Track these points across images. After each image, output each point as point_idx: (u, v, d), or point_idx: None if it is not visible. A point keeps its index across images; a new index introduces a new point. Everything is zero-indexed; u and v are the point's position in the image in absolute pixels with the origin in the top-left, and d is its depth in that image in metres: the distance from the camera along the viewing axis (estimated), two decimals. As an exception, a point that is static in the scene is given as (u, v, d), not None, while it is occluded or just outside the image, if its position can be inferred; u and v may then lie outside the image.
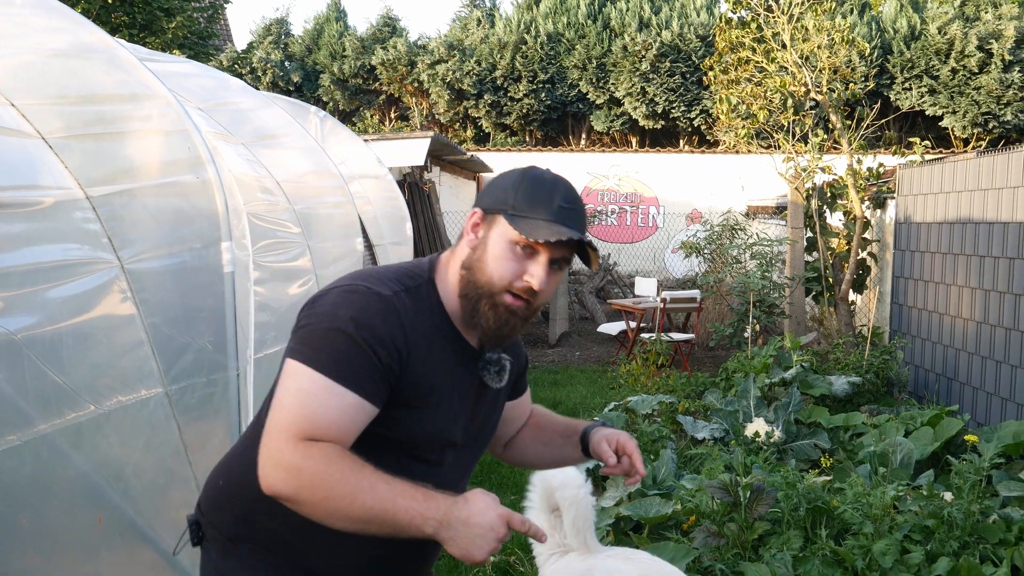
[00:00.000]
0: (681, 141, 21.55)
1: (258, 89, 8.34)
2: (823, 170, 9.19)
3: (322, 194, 6.05)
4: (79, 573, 2.90)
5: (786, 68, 9.23)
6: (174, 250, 3.65)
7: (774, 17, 9.21)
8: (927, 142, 10.62)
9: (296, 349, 1.69)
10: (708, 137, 20.69)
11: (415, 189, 11.05)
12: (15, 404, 2.47)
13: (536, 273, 1.77)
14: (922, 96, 19.32)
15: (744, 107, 9.75)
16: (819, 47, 8.94)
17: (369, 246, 7.41)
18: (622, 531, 4.74)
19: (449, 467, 1.90)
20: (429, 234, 11.12)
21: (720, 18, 10.16)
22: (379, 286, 1.77)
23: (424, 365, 1.78)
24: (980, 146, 19.02)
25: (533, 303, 1.81)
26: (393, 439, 1.79)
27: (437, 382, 1.81)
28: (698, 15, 21.11)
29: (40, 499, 2.68)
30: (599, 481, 5.72)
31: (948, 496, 4.29)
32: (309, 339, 1.69)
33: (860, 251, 8.97)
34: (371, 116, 24.29)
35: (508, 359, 1.96)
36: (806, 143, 9.47)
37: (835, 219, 9.64)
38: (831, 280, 9.24)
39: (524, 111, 21.74)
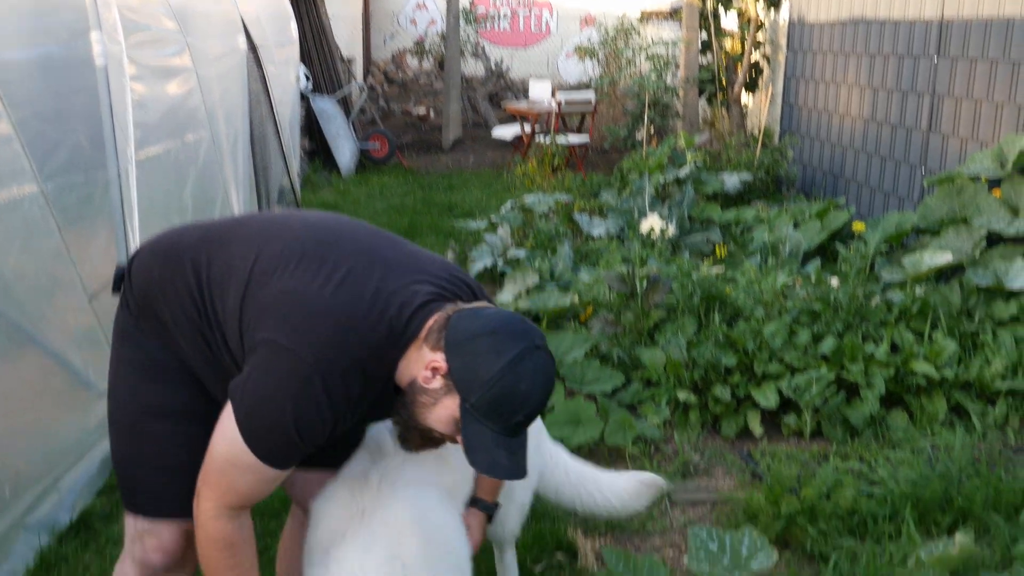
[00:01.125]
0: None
1: None
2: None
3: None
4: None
5: None
6: (38, 40, 3.37)
7: None
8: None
9: (240, 412, 1.75)
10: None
11: (299, -13, 10.46)
12: None
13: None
14: None
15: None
16: None
17: (253, 48, 7.02)
18: (521, 323, 4.79)
19: None
20: (316, 37, 10.60)
21: None
22: (336, 379, 1.73)
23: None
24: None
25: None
26: None
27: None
28: None
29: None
30: (497, 278, 5.75)
31: (835, 282, 4.43)
32: (253, 420, 1.74)
33: (753, 52, 8.94)
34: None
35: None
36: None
37: (730, 21, 9.54)
38: (724, 82, 9.23)
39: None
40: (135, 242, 3.84)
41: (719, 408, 3.82)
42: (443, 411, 1.74)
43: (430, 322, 1.75)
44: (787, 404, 3.81)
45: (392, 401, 1.83)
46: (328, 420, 1.73)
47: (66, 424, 3.35)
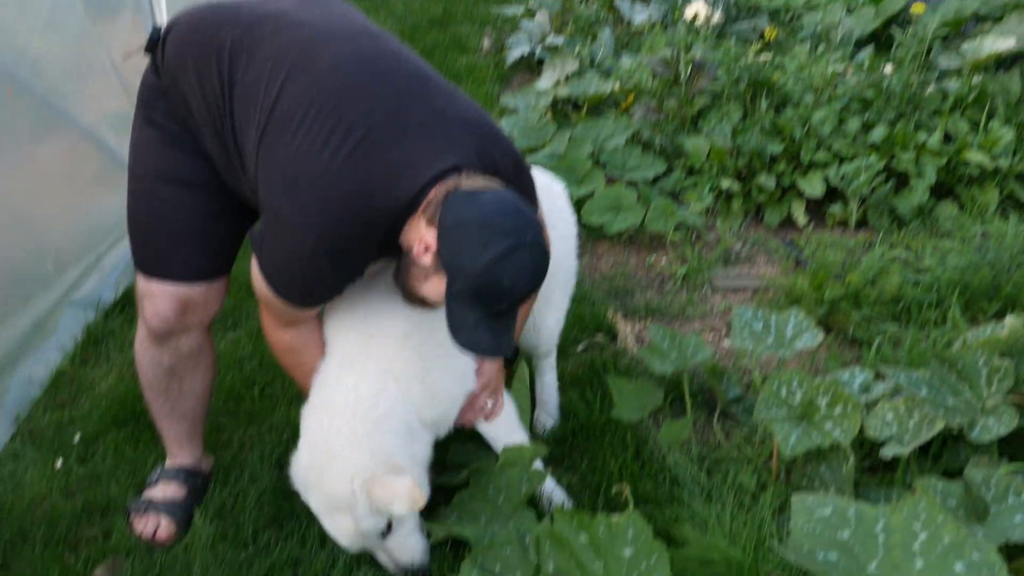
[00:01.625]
0: None
1: None
2: None
3: None
4: (5, 158, 2.74)
5: None
6: None
7: None
8: None
9: (261, 265, 1.82)
10: None
11: None
12: None
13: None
14: None
15: None
16: None
17: None
18: (560, 111, 4.67)
19: None
20: None
21: None
22: (340, 251, 1.74)
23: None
24: None
25: None
26: None
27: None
28: None
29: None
30: (535, 66, 5.57)
31: (888, 69, 4.24)
32: (272, 277, 1.81)
33: None
34: None
35: None
36: None
37: None
38: None
39: None
40: (163, 20, 3.73)
41: (763, 196, 3.74)
42: (432, 287, 1.75)
43: (431, 194, 1.68)
44: (832, 194, 3.72)
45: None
46: (337, 281, 1.82)
47: (105, 204, 3.34)
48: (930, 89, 4.23)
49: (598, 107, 4.63)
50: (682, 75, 4.31)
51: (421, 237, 1.69)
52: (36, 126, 2.94)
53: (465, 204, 1.65)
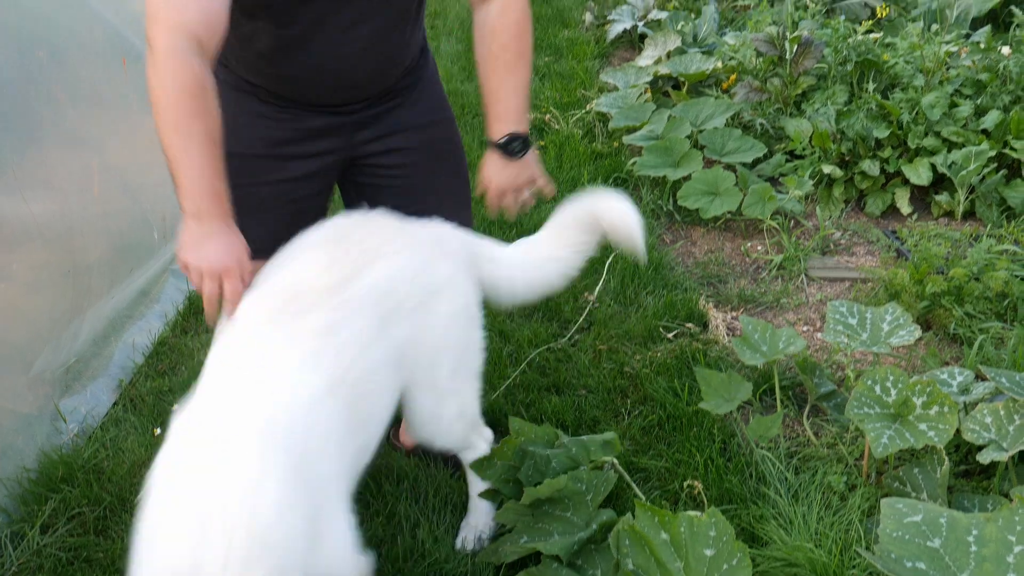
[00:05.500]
0: None
1: None
2: None
3: None
4: (109, 117, 2.84)
5: None
6: None
7: None
8: None
9: None
10: None
11: None
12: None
13: None
14: None
15: None
16: None
17: None
18: (660, 90, 4.61)
19: (333, 25, 1.77)
20: None
21: None
22: None
23: None
24: None
25: None
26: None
27: None
28: None
29: (59, 39, 2.55)
30: (636, 42, 5.51)
31: (1006, 50, 4.06)
32: None
33: None
34: None
35: None
36: None
37: None
38: None
39: None
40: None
41: (866, 184, 3.64)
42: None
43: None
44: (939, 182, 3.60)
45: None
46: None
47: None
48: (1050, 73, 4.05)
49: (699, 86, 4.55)
50: (787, 54, 4.21)
51: None
52: (147, 96, 3.02)
53: None
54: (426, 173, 2.05)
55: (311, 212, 1.99)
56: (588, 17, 6.14)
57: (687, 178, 3.61)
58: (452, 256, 1.84)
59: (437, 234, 1.86)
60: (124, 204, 2.94)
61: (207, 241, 1.61)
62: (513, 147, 1.94)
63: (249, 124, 1.90)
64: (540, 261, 2.05)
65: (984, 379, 2.33)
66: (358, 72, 1.87)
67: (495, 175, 1.98)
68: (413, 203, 1.97)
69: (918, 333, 2.32)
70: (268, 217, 1.91)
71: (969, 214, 3.55)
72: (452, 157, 2.11)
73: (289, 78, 1.86)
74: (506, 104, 1.93)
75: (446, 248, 1.84)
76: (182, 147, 1.58)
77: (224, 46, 1.67)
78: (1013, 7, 4.95)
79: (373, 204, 1.95)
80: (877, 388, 2.13)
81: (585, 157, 3.99)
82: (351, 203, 2.10)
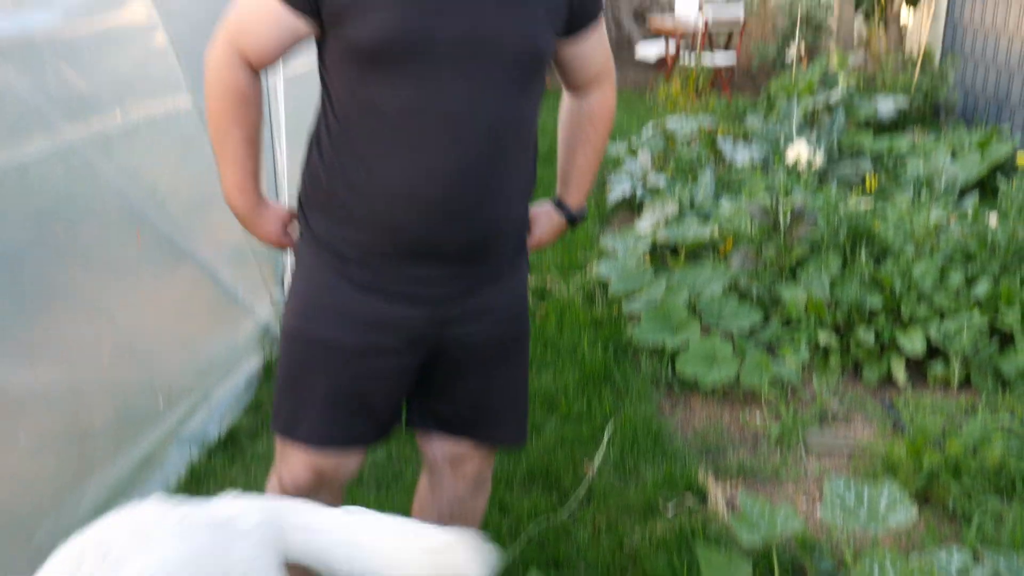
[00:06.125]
0: None
1: None
2: None
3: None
4: (121, 289, 2.92)
5: None
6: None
7: None
8: None
9: None
10: None
11: None
12: (37, 107, 2.36)
13: None
14: None
15: None
16: None
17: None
18: (658, 255, 4.73)
19: (446, 81, 1.71)
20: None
21: None
22: None
23: None
24: None
25: None
26: (352, 48, 1.71)
27: None
28: None
29: (74, 213, 2.64)
30: (636, 206, 5.67)
31: (993, 219, 4.19)
32: None
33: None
34: None
35: None
36: None
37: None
38: (883, -4, 8.72)
39: None
40: (283, 158, 3.93)
41: (861, 352, 3.70)
42: None
43: None
44: (935, 351, 3.66)
45: None
46: None
47: (216, 338, 3.49)
48: (1037, 242, 4.16)
49: (697, 251, 4.67)
50: (781, 221, 4.33)
51: None
52: (158, 264, 3.12)
53: None
54: (497, 373, 2.01)
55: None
56: (589, 180, 6.33)
57: (685, 346, 3.67)
58: (247, 536, 1.46)
59: (224, 512, 1.49)
60: (131, 370, 2.99)
61: (246, 228, 1.96)
62: (579, 218, 2.14)
63: (332, 304, 1.86)
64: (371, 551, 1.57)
65: (982, 560, 2.32)
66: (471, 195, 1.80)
67: (546, 231, 2.09)
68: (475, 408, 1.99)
69: (914, 514, 2.32)
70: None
71: (965, 383, 3.60)
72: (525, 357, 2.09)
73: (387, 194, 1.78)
74: (584, 181, 2.11)
75: (239, 527, 1.47)
76: (220, 146, 1.84)
77: (321, 171, 1.81)
78: (999, 176, 5.12)
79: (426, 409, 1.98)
80: (875, 570, 2.13)
81: (585, 323, 4.06)
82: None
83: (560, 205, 2.10)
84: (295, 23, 1.72)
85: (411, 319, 1.83)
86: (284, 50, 1.78)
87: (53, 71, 2.43)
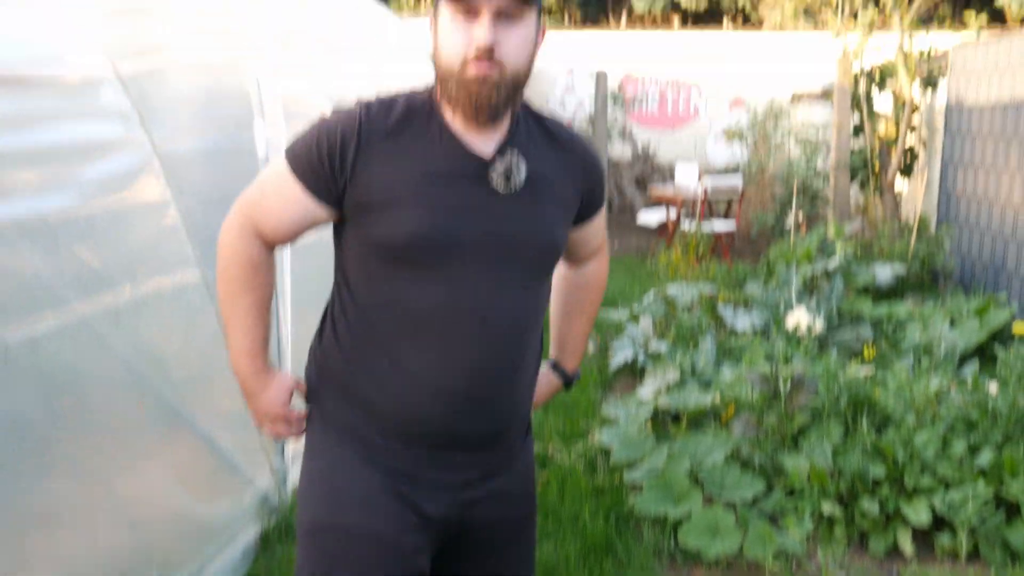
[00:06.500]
0: (726, 19, 20.91)
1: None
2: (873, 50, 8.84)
3: (359, 75, 5.91)
4: (121, 456, 2.93)
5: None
6: (206, 131, 3.57)
7: None
8: (983, 17, 10.16)
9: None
10: (753, 18, 20.03)
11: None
12: (50, 285, 2.44)
13: (480, 32, 1.66)
14: (979, -26, 18.44)
15: (792, -16, 9.35)
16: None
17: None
18: (660, 422, 4.73)
19: (472, 278, 1.77)
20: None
21: None
22: (364, 100, 1.80)
23: (396, 170, 1.75)
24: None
25: (502, 66, 1.70)
26: (377, 244, 1.77)
27: (413, 183, 1.75)
28: None
29: (81, 384, 2.68)
30: (638, 372, 5.71)
31: (993, 388, 4.21)
32: (296, 136, 1.82)
33: (909, 136, 8.70)
34: (406, -2, 23.74)
35: (519, 156, 1.81)
36: (856, 20, 9.09)
37: (883, 103, 9.33)
38: (878, 167, 8.99)
39: (563, -9, 21.11)
40: (288, 329, 3.99)
41: (866, 523, 3.65)
42: (442, 26, 1.71)
43: None
44: (941, 521, 3.61)
45: (454, 146, 1.78)
46: (348, 119, 1.75)
47: (213, 507, 3.47)
48: (1039, 411, 4.17)
49: (698, 419, 4.67)
50: (781, 389, 4.35)
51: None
52: (159, 431, 3.13)
53: None
54: (509, 552, 2.02)
55: None
56: (591, 346, 6.39)
57: (687, 516, 3.63)
58: None
59: None
60: (125, 539, 2.97)
61: (250, 400, 1.92)
62: (575, 380, 2.22)
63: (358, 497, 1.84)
64: None
65: None
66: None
67: (544, 393, 2.17)
68: None
69: None
70: None
71: (973, 554, 3.54)
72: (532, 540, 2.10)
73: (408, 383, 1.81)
74: (580, 345, 2.21)
75: None
76: (229, 311, 1.85)
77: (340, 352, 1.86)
78: (996, 343, 5.16)
79: None
80: None
81: (587, 492, 4.03)
82: None
83: (557, 368, 2.20)
84: (316, 210, 1.79)
85: (439, 505, 1.85)
86: (302, 232, 1.85)
87: (67, 249, 2.52)
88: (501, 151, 1.79)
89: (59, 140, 2.64)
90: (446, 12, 1.68)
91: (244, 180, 3.65)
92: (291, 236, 1.85)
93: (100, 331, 2.68)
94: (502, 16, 1.66)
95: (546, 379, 2.17)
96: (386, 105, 1.78)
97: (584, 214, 1.98)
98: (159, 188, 3.04)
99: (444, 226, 1.74)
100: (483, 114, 1.73)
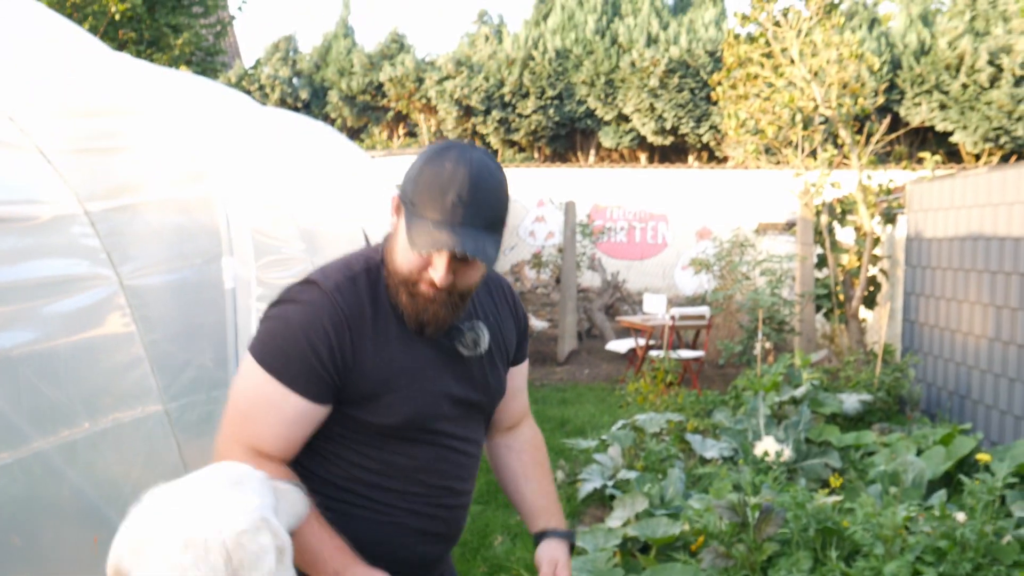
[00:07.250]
0: (690, 157, 21.51)
1: (265, 105, 8.32)
2: (832, 186, 9.12)
3: (329, 210, 6.01)
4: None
5: (794, 84, 9.19)
6: (175, 266, 3.61)
7: (783, 32, 9.17)
8: (937, 157, 10.55)
9: (253, 344, 1.77)
10: (717, 154, 20.65)
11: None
12: (9, 420, 2.43)
13: (437, 274, 1.73)
14: (932, 111, 19.24)
15: (753, 122, 9.70)
16: (828, 62, 8.89)
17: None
18: (629, 552, 4.67)
19: (449, 433, 1.92)
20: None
21: (728, 33, 10.12)
22: (326, 280, 1.79)
23: (378, 355, 1.79)
24: (991, 161, 18.90)
25: (453, 291, 1.77)
26: (367, 424, 1.83)
27: (395, 367, 1.80)
28: (707, 31, 21.05)
29: (34, 518, 2.63)
30: (607, 501, 5.66)
31: (961, 517, 4.21)
32: (263, 336, 1.77)
33: (871, 267, 8.90)
34: (379, 133, 24.32)
35: (482, 325, 1.92)
36: (815, 158, 9.41)
37: (845, 235, 9.57)
38: (842, 297, 9.16)
39: (532, 127, 21.71)
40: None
41: (838, 657, 3.60)
42: (402, 236, 1.72)
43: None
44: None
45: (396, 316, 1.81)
46: (330, 314, 1.74)
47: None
48: (1007, 539, 4.16)
49: (667, 548, 4.62)
50: (750, 519, 4.33)
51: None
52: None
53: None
54: None
55: None
56: (560, 475, 6.35)
57: (656, 652, 3.56)
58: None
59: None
60: None
61: None
62: (575, 535, 2.19)
63: None
64: None
65: None
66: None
67: (564, 562, 2.09)
68: None
69: None
70: None
71: None
72: None
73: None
74: (552, 501, 2.18)
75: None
76: (306, 541, 1.69)
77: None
78: (963, 472, 5.18)
79: None
80: None
81: (554, 627, 3.94)
82: None
83: (555, 534, 2.15)
84: (321, 413, 1.80)
85: None
86: (308, 437, 1.83)
87: (27, 385, 2.52)
88: (467, 318, 1.91)
89: (24, 276, 2.66)
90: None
91: (211, 312, 3.71)
92: (299, 448, 1.83)
93: (55, 464, 2.65)
94: (458, 259, 1.74)
95: (561, 551, 2.12)
96: (350, 280, 1.81)
97: (518, 357, 2.13)
98: (124, 321, 3.06)
99: (433, 403, 1.86)
100: (430, 327, 1.82)
